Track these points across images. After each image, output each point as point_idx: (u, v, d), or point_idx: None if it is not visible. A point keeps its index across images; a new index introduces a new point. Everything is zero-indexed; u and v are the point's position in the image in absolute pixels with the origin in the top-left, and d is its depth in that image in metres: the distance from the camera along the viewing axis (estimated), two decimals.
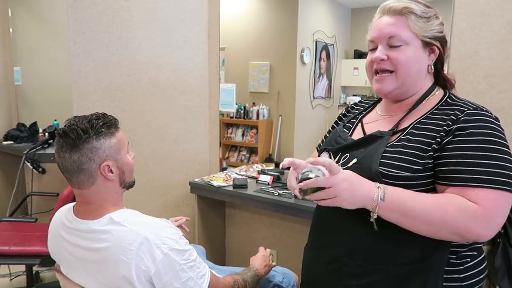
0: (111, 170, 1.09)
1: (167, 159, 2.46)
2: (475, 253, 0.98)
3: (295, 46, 6.20)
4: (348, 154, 1.01)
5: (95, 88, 2.31)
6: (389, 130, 0.98)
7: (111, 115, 1.12)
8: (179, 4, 2.33)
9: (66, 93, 3.44)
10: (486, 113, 0.90)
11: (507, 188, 0.83)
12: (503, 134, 0.88)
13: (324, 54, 7.00)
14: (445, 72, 1.04)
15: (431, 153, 0.89)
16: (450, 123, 0.90)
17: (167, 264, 1.04)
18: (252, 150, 6.45)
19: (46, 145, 2.82)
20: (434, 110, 0.96)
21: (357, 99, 8.08)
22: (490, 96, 1.58)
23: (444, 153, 0.88)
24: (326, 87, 7.30)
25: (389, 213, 0.86)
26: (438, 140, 0.89)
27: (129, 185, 1.19)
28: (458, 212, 0.82)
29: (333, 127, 1.23)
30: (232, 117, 6.23)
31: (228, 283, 1.28)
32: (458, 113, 0.90)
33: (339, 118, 1.25)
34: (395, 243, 0.92)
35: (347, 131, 1.11)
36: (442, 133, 0.89)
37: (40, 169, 2.74)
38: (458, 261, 0.95)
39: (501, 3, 1.51)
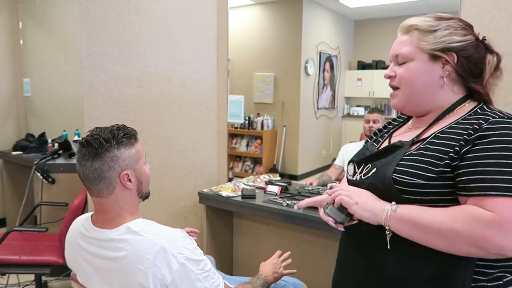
0: (129, 180, 1.12)
1: (176, 169, 2.49)
2: (509, 276, 0.90)
3: (299, 58, 6.26)
4: (370, 164, 1.03)
5: (105, 99, 2.35)
6: (410, 140, 0.98)
7: (130, 127, 1.16)
8: (189, 18, 2.39)
9: (74, 104, 3.50)
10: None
11: None
12: None
13: (328, 65, 7.06)
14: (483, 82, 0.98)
15: (448, 161, 0.87)
16: (472, 132, 0.87)
17: (183, 274, 1.06)
18: (257, 161, 6.48)
19: (56, 156, 2.85)
20: (460, 119, 0.94)
21: (360, 109, 8.01)
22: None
23: (463, 163, 0.85)
24: (330, 98, 7.34)
25: (401, 224, 0.88)
26: (456, 149, 0.87)
27: (145, 196, 1.22)
28: (469, 221, 0.80)
29: (366, 141, 1.25)
30: (236, 128, 6.28)
31: None
32: (482, 122, 0.87)
33: (375, 133, 1.25)
34: (412, 260, 0.91)
35: (376, 145, 1.13)
36: (461, 142, 0.87)
37: (50, 179, 2.77)
38: (489, 284, 0.89)
39: (507, 17, 1.55)
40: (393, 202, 0.91)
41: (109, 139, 1.09)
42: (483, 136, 0.85)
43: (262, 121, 6.31)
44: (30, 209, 2.80)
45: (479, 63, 0.97)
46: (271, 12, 6.49)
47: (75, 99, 3.50)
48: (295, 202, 2.14)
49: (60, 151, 2.88)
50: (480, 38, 1.00)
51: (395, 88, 1.03)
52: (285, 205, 2.11)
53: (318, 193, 2.33)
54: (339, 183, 3.08)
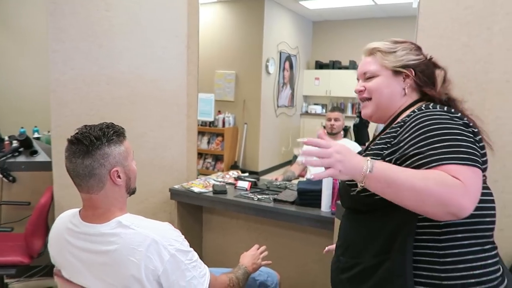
0: (119, 176, 1.16)
1: (146, 166, 2.49)
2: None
3: (260, 56, 6.37)
4: None
5: (73, 96, 2.32)
6: (365, 147, 1.18)
7: (119, 125, 1.19)
8: (160, 16, 2.40)
9: (31, 101, 3.39)
10: (432, 109, 1.00)
11: (469, 163, 0.89)
12: (452, 120, 0.96)
13: (287, 64, 7.23)
14: (437, 89, 1.14)
15: (379, 158, 1.01)
16: (399, 129, 1.02)
17: (173, 264, 1.12)
18: (218, 158, 6.51)
19: (17, 153, 2.75)
20: (394, 124, 1.08)
21: (318, 107, 8.22)
22: None
23: (398, 153, 0.97)
24: (289, 96, 7.53)
25: (376, 183, 0.92)
26: (388, 146, 1.02)
27: (132, 191, 1.26)
28: (439, 180, 0.86)
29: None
30: (198, 125, 6.27)
31: (224, 281, 1.38)
32: (407, 118, 1.03)
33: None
34: (364, 238, 1.08)
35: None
36: (392, 139, 1.02)
37: (11, 178, 2.67)
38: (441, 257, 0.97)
39: (458, 28, 1.72)
40: (368, 159, 0.93)
41: (100, 137, 1.12)
42: (407, 127, 0.99)
43: (224, 118, 6.35)
44: None
45: (431, 76, 1.15)
46: (233, 11, 6.54)
47: (33, 96, 3.39)
48: (266, 196, 2.24)
49: (21, 149, 2.77)
50: (428, 57, 1.18)
51: (365, 99, 1.20)
52: (256, 199, 2.20)
53: (286, 188, 2.44)
54: (302, 178, 3.21)
